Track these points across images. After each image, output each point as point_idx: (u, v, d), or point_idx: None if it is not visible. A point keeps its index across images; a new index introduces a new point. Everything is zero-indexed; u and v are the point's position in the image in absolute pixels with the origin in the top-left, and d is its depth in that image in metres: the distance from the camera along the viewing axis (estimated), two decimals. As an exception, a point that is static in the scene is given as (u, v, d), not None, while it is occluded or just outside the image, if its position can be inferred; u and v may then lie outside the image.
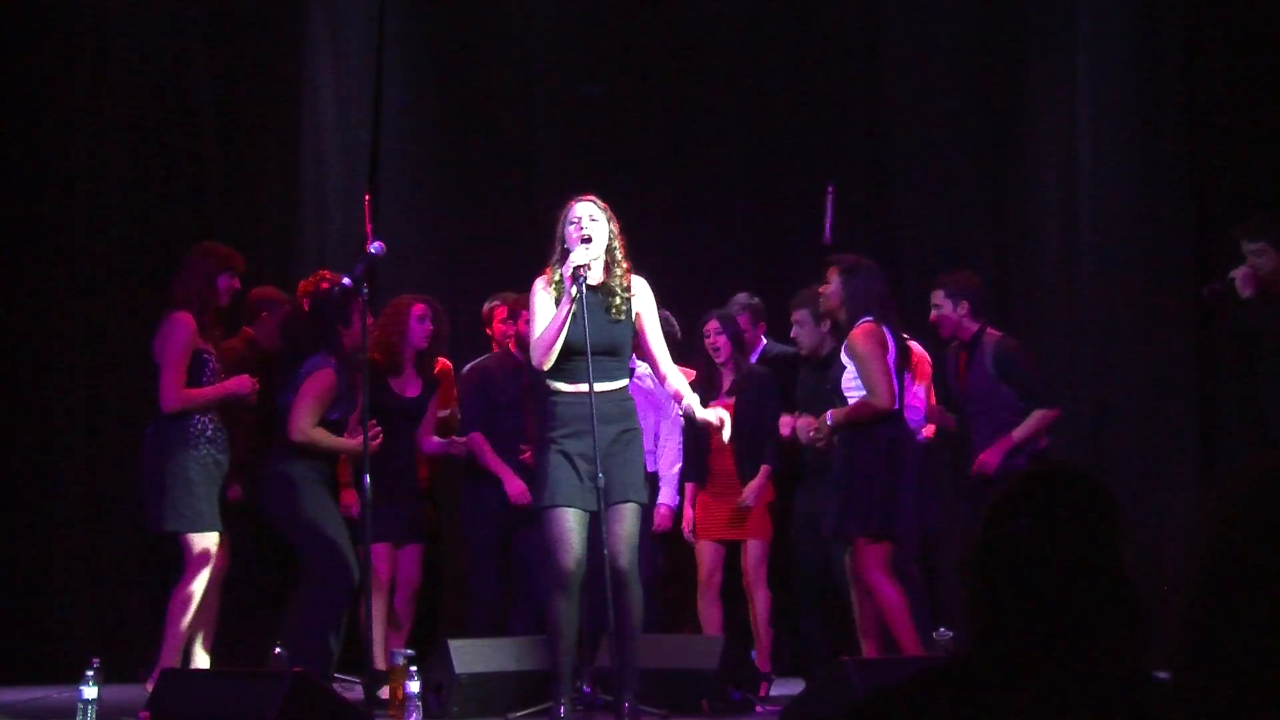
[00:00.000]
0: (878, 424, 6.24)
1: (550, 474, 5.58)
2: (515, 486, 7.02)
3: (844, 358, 6.33)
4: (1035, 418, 6.82)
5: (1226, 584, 1.47)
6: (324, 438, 6.34)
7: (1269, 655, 1.42)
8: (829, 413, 6.36)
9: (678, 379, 5.79)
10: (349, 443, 6.35)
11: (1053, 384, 7.05)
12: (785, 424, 7.05)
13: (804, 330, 7.14)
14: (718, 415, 5.75)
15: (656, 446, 7.29)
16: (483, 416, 7.12)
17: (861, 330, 6.29)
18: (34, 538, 8.24)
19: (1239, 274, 6.14)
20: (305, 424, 6.29)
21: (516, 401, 7.10)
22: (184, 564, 6.36)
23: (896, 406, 6.32)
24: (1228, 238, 6.73)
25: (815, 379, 6.94)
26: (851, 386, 6.31)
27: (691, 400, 5.75)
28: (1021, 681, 1.80)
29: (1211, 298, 6.28)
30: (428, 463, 7.34)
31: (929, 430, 7.13)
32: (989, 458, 6.76)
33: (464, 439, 7.14)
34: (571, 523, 5.55)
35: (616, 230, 5.67)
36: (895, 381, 6.32)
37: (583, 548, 5.55)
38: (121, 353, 8.04)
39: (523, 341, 7.08)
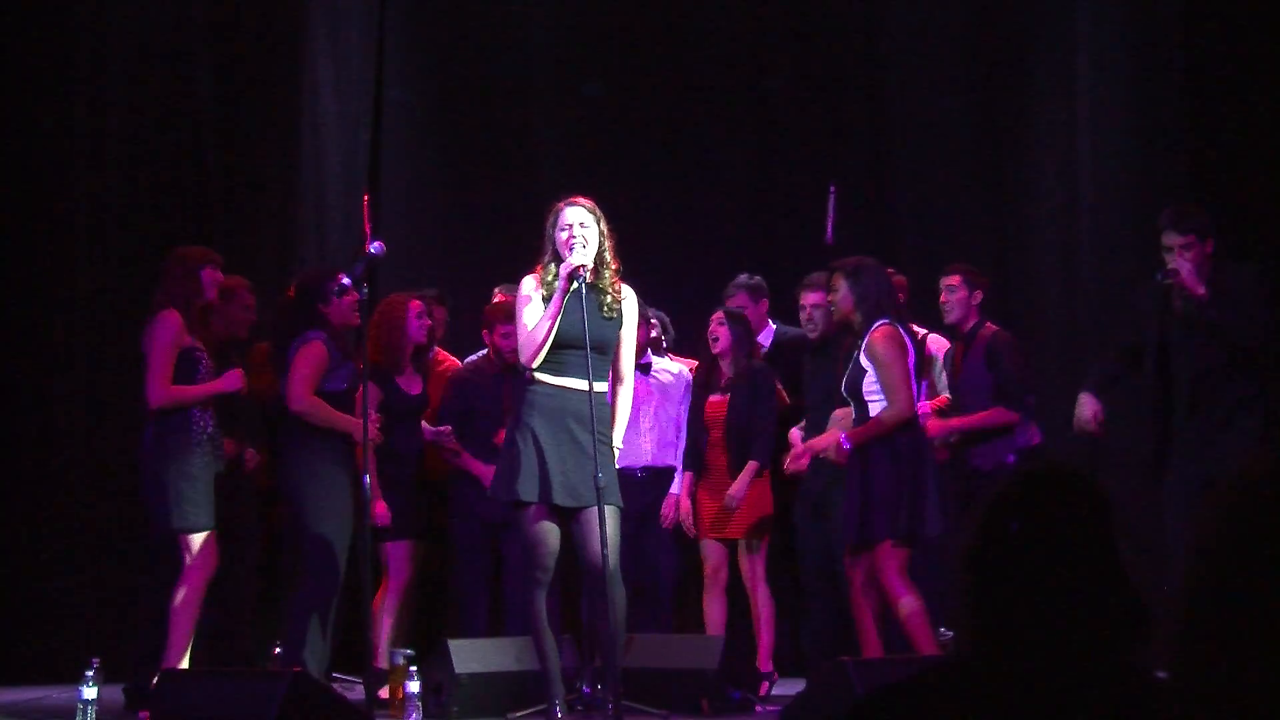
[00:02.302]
0: (897, 430, 6.22)
1: (519, 465, 5.59)
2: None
3: (864, 361, 6.28)
4: (992, 412, 6.84)
5: (1225, 583, 1.47)
6: (325, 410, 6.34)
7: (1268, 655, 1.42)
8: (843, 434, 6.31)
9: (624, 404, 5.80)
10: (351, 421, 6.36)
11: (1025, 390, 6.98)
12: (794, 439, 6.96)
13: (819, 313, 7.02)
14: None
15: (679, 438, 7.32)
16: (457, 418, 7.14)
17: (881, 334, 6.23)
18: (34, 537, 8.24)
19: (1185, 271, 6.14)
20: (301, 392, 6.33)
21: (495, 408, 7.11)
22: (182, 563, 6.34)
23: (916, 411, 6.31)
24: (1222, 236, 6.72)
25: (820, 367, 6.90)
26: (873, 390, 6.26)
27: (617, 438, 5.75)
28: (1020, 681, 1.80)
29: (1165, 281, 6.31)
30: (437, 459, 7.35)
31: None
32: (933, 426, 6.76)
33: (441, 429, 7.13)
34: (545, 520, 5.57)
35: (607, 230, 5.69)
36: (914, 385, 6.31)
37: (557, 543, 5.57)
38: (121, 353, 8.02)
39: (500, 354, 7.10)
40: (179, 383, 6.37)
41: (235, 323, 6.93)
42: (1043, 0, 8.49)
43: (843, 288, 6.35)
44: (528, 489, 5.58)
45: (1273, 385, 6.28)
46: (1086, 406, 6.39)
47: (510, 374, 7.05)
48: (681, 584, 7.38)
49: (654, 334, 7.26)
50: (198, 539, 6.34)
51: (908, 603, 6.11)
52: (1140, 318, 6.42)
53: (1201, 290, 6.12)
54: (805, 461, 6.56)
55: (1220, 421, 6.21)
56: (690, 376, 7.33)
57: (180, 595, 6.35)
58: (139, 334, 6.54)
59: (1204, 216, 6.32)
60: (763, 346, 7.48)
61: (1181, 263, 6.16)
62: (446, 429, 7.05)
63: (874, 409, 6.23)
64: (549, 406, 5.61)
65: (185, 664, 6.26)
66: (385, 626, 6.91)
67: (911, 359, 6.27)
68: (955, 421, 6.90)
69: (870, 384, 6.23)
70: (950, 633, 6.00)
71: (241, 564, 6.96)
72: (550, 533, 5.59)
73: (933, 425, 6.77)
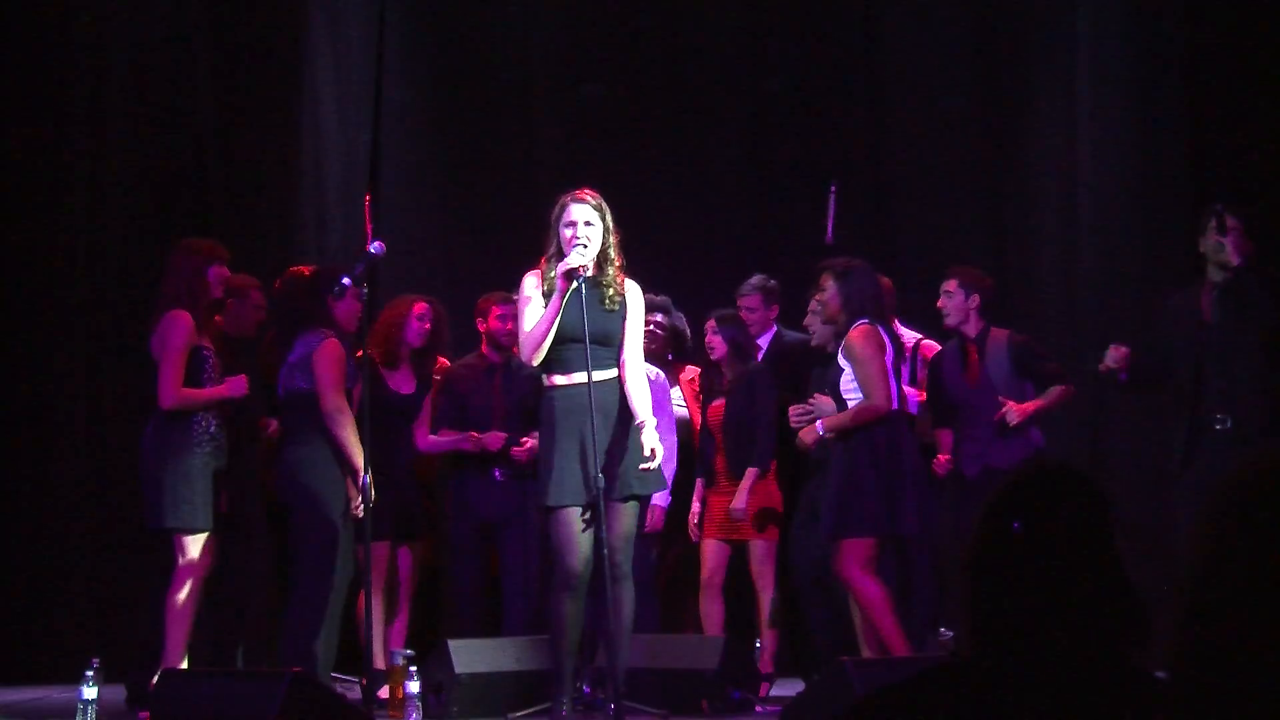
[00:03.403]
0: (876, 425, 6.24)
1: (554, 473, 5.59)
2: (480, 441, 7.06)
3: (841, 360, 6.32)
4: (1058, 391, 6.80)
5: (1224, 583, 1.47)
6: (349, 415, 6.27)
7: (1267, 655, 1.42)
8: (820, 421, 6.35)
9: (640, 392, 5.71)
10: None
11: (1065, 366, 7.06)
12: (793, 413, 6.98)
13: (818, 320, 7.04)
14: (649, 447, 5.61)
15: None
16: (449, 415, 7.14)
17: (859, 332, 6.28)
18: (34, 538, 8.24)
19: (1230, 241, 6.38)
20: (340, 401, 6.26)
21: (487, 402, 7.10)
22: (176, 564, 6.34)
23: (895, 408, 6.32)
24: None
25: (822, 374, 6.91)
26: (850, 388, 6.30)
27: (647, 420, 5.66)
28: (1020, 681, 1.80)
29: (1218, 210, 6.50)
30: (431, 458, 7.35)
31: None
32: (1018, 407, 6.71)
33: (460, 435, 7.13)
34: (578, 523, 5.56)
35: (612, 226, 5.69)
36: (894, 382, 6.32)
37: (590, 548, 5.55)
38: (121, 353, 8.03)
39: (494, 340, 7.12)
40: (186, 382, 6.37)
41: (245, 322, 6.93)
42: (1043, 0, 8.49)
43: (830, 287, 6.39)
44: (556, 494, 5.59)
45: None
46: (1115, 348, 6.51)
47: (503, 366, 7.07)
48: (656, 585, 7.35)
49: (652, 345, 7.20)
50: (191, 539, 6.34)
51: (870, 592, 6.13)
52: (1171, 325, 6.55)
53: (1238, 260, 6.33)
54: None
55: (1262, 421, 6.30)
56: (666, 382, 7.27)
57: (177, 596, 6.35)
58: (141, 333, 6.54)
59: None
60: (760, 349, 7.47)
61: (1230, 237, 6.37)
62: (472, 435, 7.07)
63: (850, 406, 6.26)
64: (565, 407, 5.62)
65: (184, 664, 6.26)
66: (395, 628, 6.95)
67: (890, 357, 6.29)
68: (1031, 405, 6.76)
69: (847, 381, 6.29)
70: (949, 632, 6.01)
71: (250, 561, 6.95)
72: (582, 539, 5.57)
73: (1018, 409, 6.69)
